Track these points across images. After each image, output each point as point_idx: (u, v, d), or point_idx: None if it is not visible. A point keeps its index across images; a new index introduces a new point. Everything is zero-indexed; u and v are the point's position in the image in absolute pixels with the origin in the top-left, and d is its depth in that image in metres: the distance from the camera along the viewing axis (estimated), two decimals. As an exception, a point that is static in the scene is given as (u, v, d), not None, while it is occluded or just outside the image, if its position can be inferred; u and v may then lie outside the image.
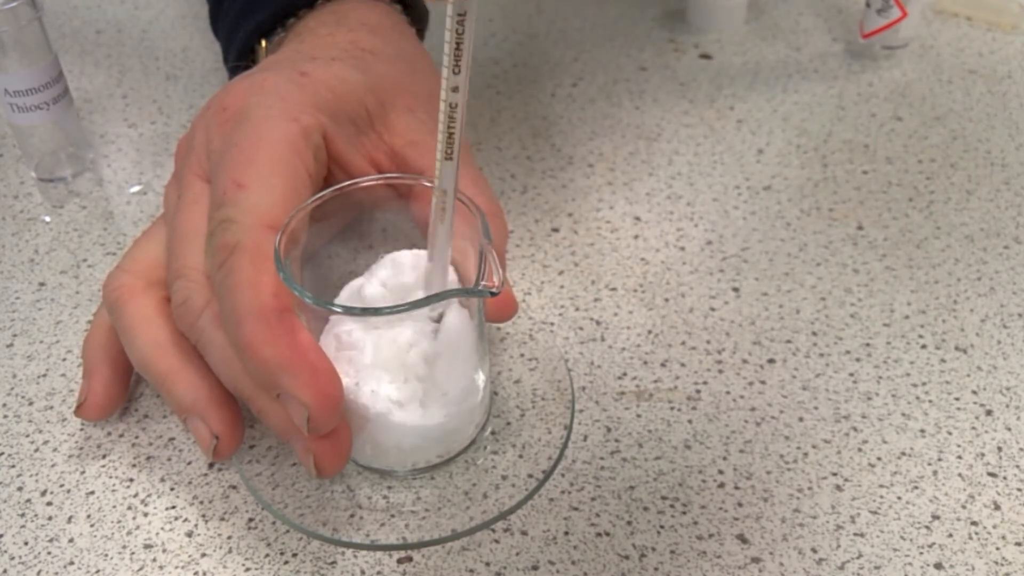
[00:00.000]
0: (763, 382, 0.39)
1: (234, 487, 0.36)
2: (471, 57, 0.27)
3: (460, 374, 0.33)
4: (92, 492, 0.36)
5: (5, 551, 0.34)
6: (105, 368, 0.37)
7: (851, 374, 0.40)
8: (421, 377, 0.32)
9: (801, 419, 0.38)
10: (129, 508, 0.35)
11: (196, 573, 0.33)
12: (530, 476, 0.35)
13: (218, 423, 0.34)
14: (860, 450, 0.37)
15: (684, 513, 0.35)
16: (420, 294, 0.33)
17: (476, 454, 0.36)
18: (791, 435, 0.37)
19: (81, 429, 0.38)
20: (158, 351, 0.34)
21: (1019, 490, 0.35)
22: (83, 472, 0.36)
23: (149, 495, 0.36)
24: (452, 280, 0.33)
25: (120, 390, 0.37)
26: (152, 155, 0.53)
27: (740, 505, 0.35)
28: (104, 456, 0.37)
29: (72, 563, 0.33)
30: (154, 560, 0.33)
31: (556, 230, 0.47)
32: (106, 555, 0.34)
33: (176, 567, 0.33)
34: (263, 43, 0.44)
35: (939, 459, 0.36)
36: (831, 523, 0.34)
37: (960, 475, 0.36)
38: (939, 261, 0.45)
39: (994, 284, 0.44)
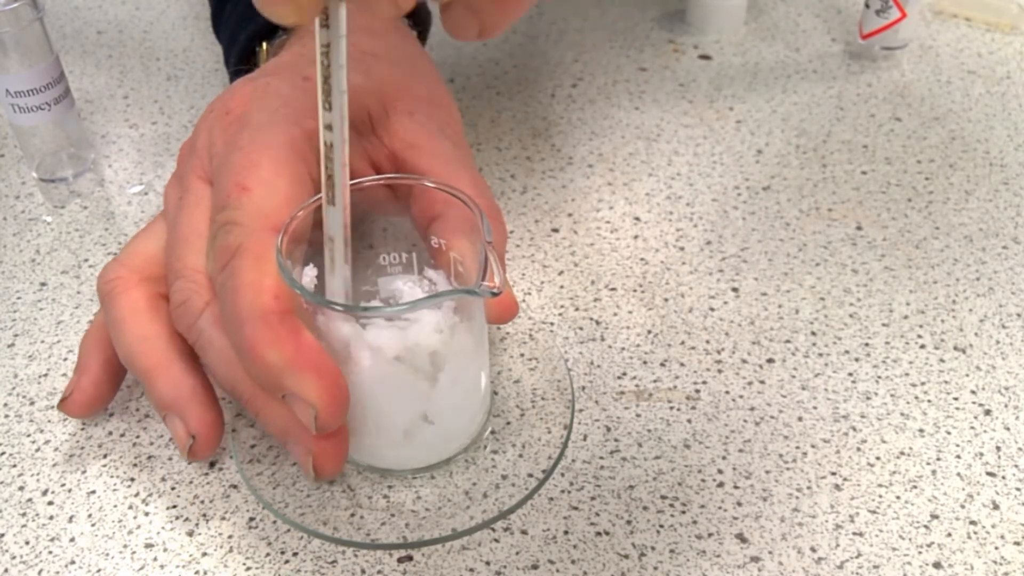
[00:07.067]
0: (762, 382, 0.39)
1: (235, 486, 0.36)
2: (345, 92, 0.26)
3: (460, 374, 0.33)
4: (93, 491, 0.36)
5: (6, 550, 0.34)
6: (97, 366, 0.37)
7: (850, 374, 0.40)
8: (421, 377, 0.32)
9: (800, 419, 0.38)
10: (130, 507, 0.35)
11: (197, 572, 0.33)
12: (530, 475, 0.35)
13: (196, 422, 0.34)
14: (859, 450, 0.37)
15: (683, 512, 0.35)
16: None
17: (476, 454, 0.36)
18: (790, 435, 0.37)
19: (82, 429, 0.38)
20: (144, 345, 0.34)
21: (1018, 490, 0.35)
22: (84, 471, 0.37)
23: (150, 494, 0.36)
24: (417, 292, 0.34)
25: (108, 390, 0.37)
26: (153, 155, 0.53)
27: (739, 504, 0.35)
28: (105, 456, 0.37)
29: (73, 562, 0.34)
30: (155, 559, 0.33)
31: (556, 230, 0.47)
32: (107, 554, 0.34)
33: (177, 566, 0.33)
34: (264, 46, 0.44)
35: (938, 459, 0.36)
36: (830, 522, 0.34)
37: (959, 475, 0.36)
38: (938, 261, 0.45)
39: (993, 284, 0.44)
